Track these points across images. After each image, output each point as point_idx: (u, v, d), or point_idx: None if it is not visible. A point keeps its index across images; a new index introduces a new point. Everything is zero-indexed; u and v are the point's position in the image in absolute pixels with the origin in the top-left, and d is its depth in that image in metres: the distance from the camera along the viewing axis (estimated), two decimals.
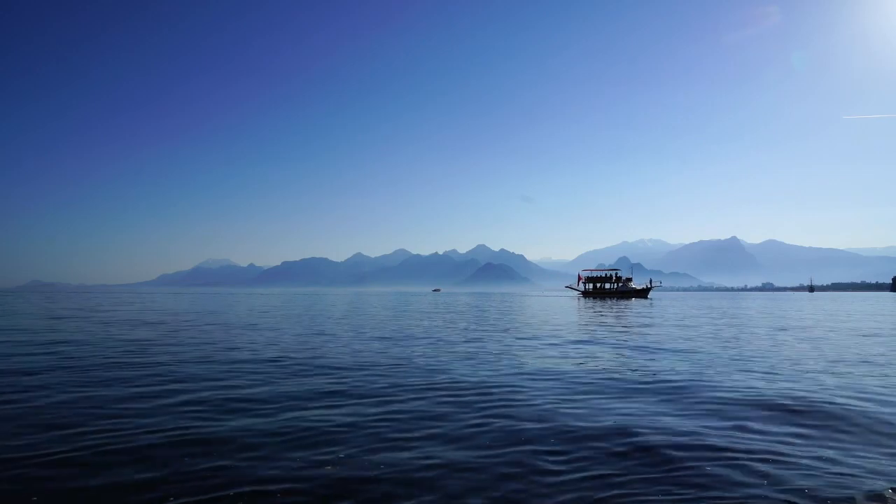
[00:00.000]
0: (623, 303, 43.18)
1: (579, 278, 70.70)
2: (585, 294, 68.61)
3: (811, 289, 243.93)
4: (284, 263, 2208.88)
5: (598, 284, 68.69)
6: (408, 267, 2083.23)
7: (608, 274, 68.97)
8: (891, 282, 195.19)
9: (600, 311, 27.96)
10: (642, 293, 66.06)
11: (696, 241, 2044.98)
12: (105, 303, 40.92)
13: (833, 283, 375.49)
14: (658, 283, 70.19)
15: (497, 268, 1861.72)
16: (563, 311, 29.22)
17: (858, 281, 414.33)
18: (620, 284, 67.09)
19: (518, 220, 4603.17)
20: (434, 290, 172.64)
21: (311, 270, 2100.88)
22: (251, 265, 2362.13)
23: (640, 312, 27.27)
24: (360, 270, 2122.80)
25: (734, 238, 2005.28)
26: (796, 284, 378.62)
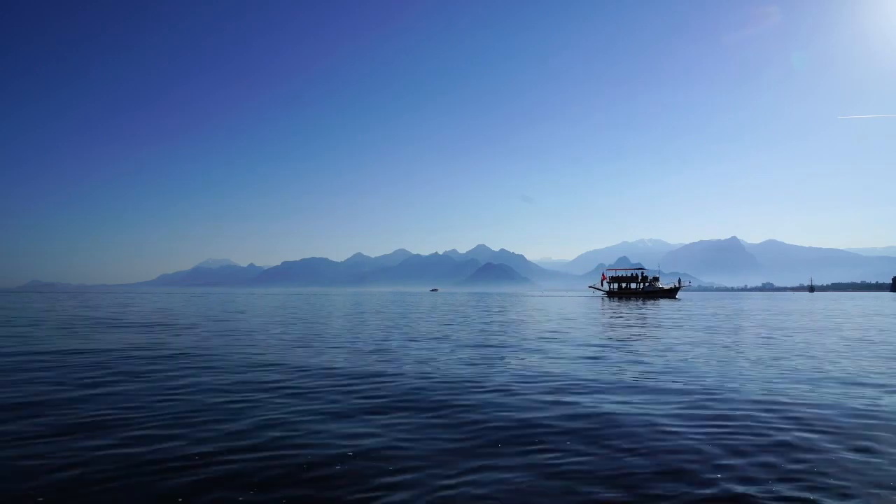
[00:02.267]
0: (654, 304, 39.94)
1: (603, 277, 67.67)
2: (610, 294, 65.50)
3: (811, 289, 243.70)
4: (284, 263, 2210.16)
5: (624, 284, 65.77)
6: (408, 267, 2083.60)
7: (634, 273, 65.93)
8: (891, 282, 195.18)
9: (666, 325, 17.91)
10: (670, 293, 63.03)
11: (696, 241, 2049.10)
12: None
13: (833, 283, 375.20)
14: (688, 283, 66.16)
15: (497, 268, 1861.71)
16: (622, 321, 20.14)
17: (858, 281, 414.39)
18: (647, 284, 64.15)
19: (518, 220, 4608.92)
20: (431, 290, 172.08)
21: (311, 270, 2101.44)
22: (251, 265, 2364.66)
23: (711, 324, 18.33)
24: (360, 270, 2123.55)
25: (734, 238, 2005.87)
26: (796, 284, 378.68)
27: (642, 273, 65.14)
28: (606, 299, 53.86)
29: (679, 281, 65.37)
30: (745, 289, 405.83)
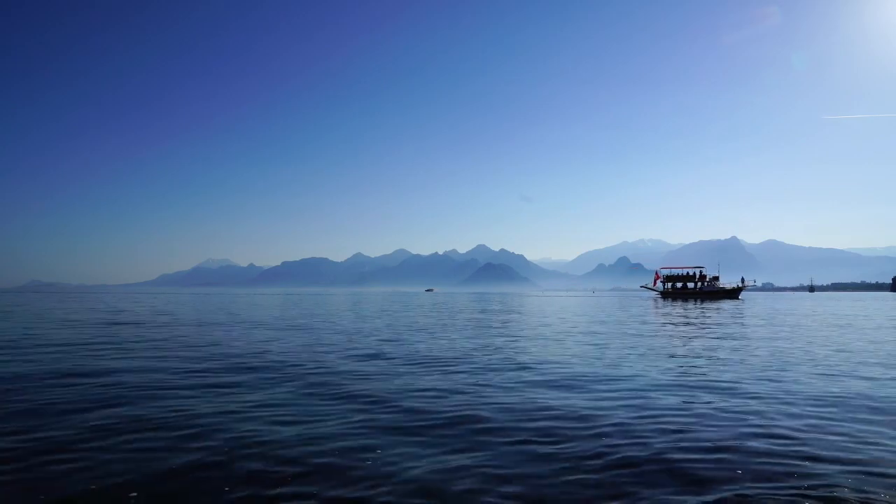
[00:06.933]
0: (716, 306, 35.49)
1: (657, 277, 63.14)
2: (664, 294, 60.89)
3: (811, 289, 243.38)
4: (284, 263, 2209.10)
5: (679, 284, 61.30)
6: (408, 267, 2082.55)
7: (691, 272, 61.19)
8: (891, 282, 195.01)
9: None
10: (733, 294, 58.63)
11: (696, 241, 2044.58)
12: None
13: (833, 283, 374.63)
14: (752, 282, 62.79)
15: (497, 268, 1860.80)
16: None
17: (858, 281, 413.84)
18: (706, 284, 59.73)
19: (518, 220, 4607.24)
20: (427, 290, 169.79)
21: (311, 270, 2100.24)
22: (251, 265, 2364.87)
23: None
24: (360, 270, 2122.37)
25: (734, 238, 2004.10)
26: (796, 284, 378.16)
27: (700, 272, 60.74)
28: (660, 300, 51.34)
29: (742, 280, 61.01)
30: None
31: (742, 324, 18.83)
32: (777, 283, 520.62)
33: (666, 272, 63.27)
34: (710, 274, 60.86)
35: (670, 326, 17.60)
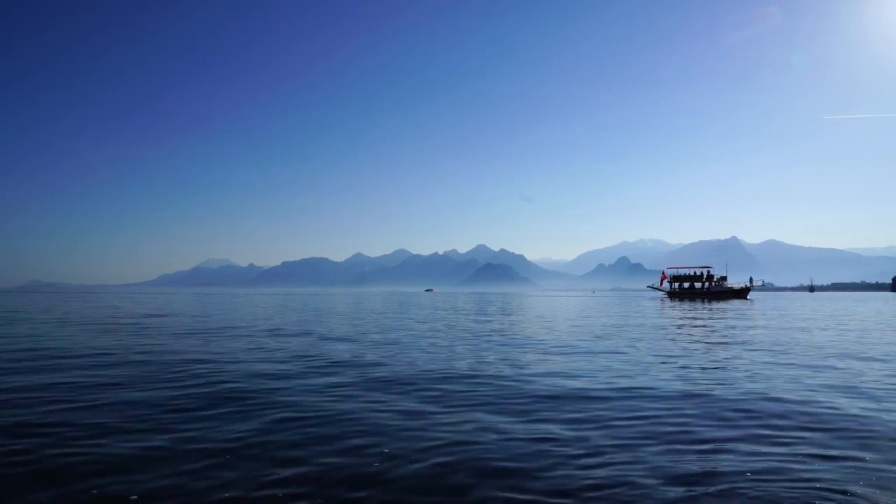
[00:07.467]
0: (726, 306, 34.26)
1: (663, 276, 62.43)
2: (671, 295, 60.33)
3: (811, 289, 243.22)
4: (284, 263, 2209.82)
5: (687, 284, 60.37)
6: (408, 267, 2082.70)
7: (699, 272, 60.32)
8: (891, 282, 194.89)
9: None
10: (741, 293, 57.82)
11: (696, 241, 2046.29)
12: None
13: (833, 283, 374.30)
14: (760, 282, 62.45)
15: (497, 268, 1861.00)
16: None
17: (858, 281, 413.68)
18: (714, 284, 58.91)
19: (518, 220, 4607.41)
20: (427, 290, 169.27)
21: (311, 270, 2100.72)
22: (251, 265, 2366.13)
23: None
24: (360, 270, 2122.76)
25: (734, 238, 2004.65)
26: (796, 284, 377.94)
27: (708, 272, 60.01)
28: (667, 300, 50.75)
29: (751, 280, 60.13)
30: None
31: (763, 326, 18.69)
32: (777, 283, 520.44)
33: (672, 272, 62.57)
34: (717, 274, 60.25)
35: (688, 329, 17.49)
